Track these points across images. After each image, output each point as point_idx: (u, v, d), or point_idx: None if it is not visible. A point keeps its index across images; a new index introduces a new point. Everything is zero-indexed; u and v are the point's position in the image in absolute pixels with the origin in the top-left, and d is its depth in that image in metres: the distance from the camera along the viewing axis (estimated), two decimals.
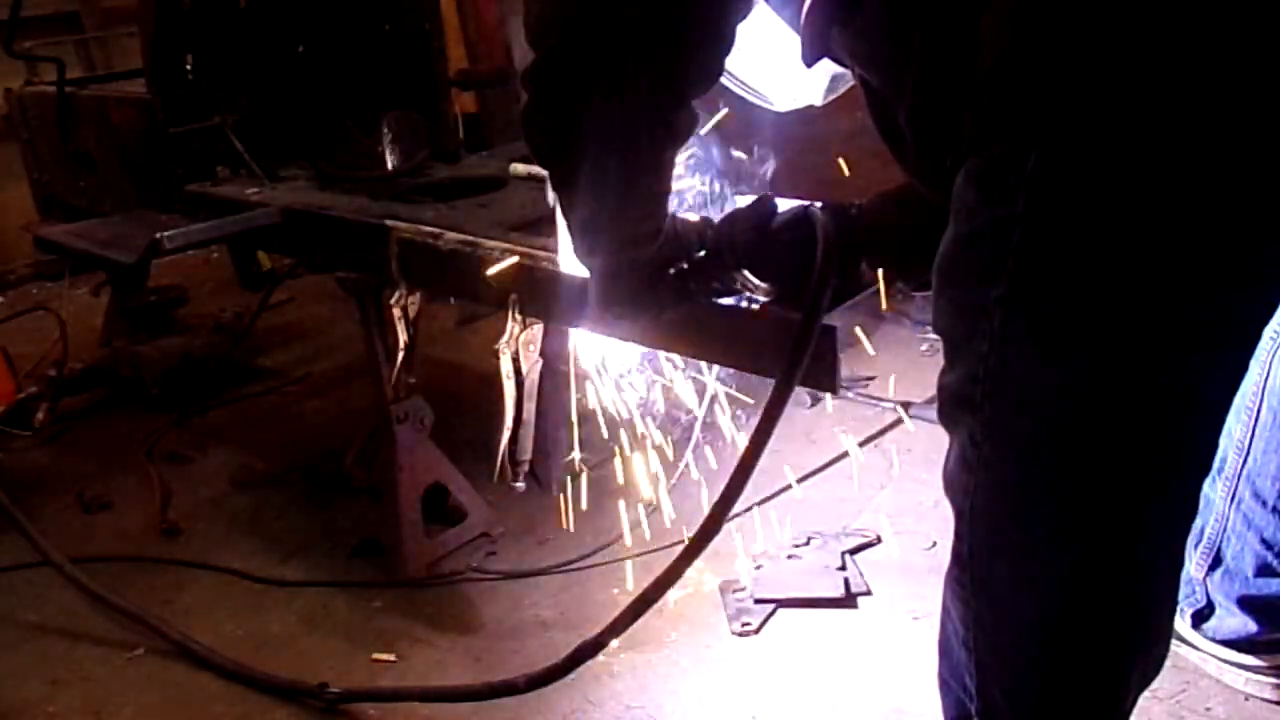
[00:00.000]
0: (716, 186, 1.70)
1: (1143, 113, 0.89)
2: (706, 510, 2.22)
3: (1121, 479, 1.03)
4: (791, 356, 1.33)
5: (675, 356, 1.91)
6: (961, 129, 1.01)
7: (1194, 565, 1.80)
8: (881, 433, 2.77)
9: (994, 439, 1.06)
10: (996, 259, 0.99)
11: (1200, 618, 1.83)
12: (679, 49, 1.16)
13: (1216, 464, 1.65)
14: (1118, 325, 0.96)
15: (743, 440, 2.12)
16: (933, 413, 1.14)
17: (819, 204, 1.41)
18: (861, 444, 2.72)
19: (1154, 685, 1.23)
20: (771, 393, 1.35)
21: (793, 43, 1.25)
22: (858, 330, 2.01)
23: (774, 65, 1.37)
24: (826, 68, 1.25)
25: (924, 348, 3.21)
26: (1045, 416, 1.03)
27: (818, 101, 1.42)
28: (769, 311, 1.44)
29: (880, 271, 1.43)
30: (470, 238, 1.86)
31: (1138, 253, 0.93)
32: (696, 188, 1.70)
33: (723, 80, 1.29)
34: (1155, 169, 0.90)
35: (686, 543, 1.47)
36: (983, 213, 1.00)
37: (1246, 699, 1.80)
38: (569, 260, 1.54)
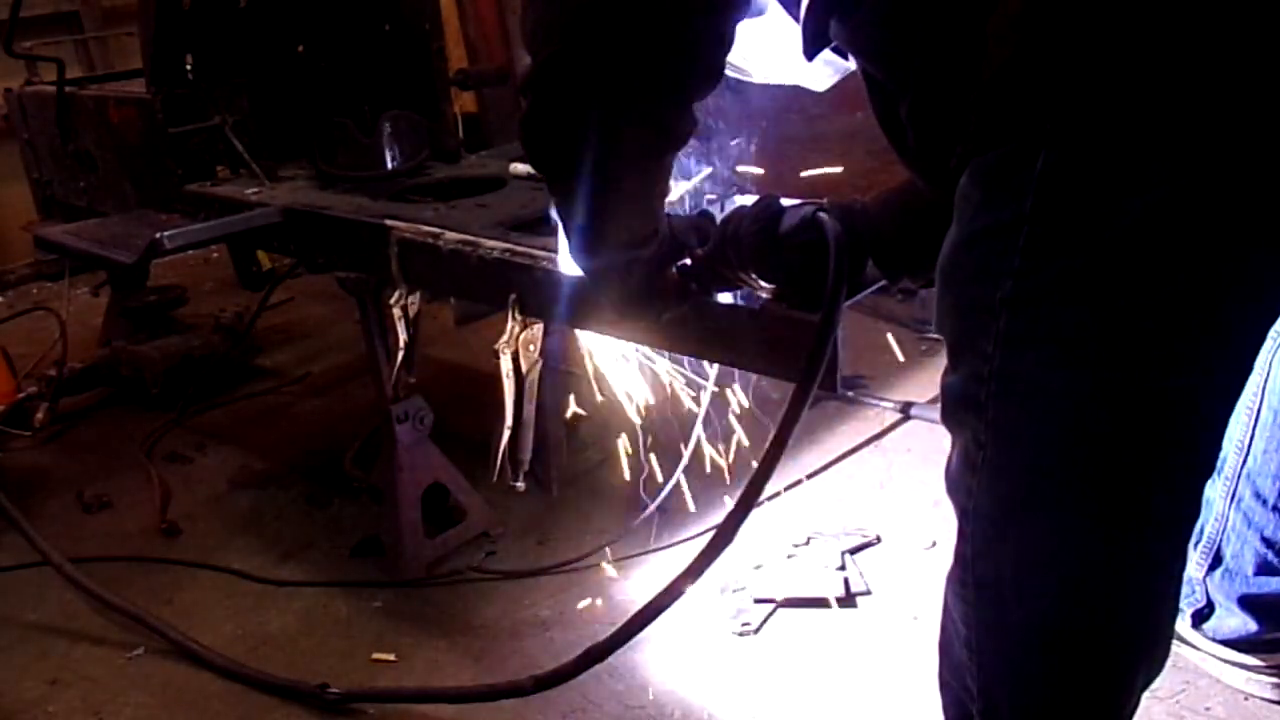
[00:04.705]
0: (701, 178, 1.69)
1: (1153, 116, 0.89)
2: (709, 511, 2.25)
3: (1126, 480, 1.03)
4: (808, 366, 1.33)
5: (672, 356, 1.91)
6: (965, 127, 1.00)
7: (1194, 565, 1.80)
8: (882, 433, 2.77)
9: (998, 440, 1.06)
10: (1002, 259, 0.98)
11: (1200, 617, 1.83)
12: (679, 52, 1.15)
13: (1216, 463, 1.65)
14: (1123, 327, 0.96)
15: (742, 438, 2.14)
16: (932, 413, 1.14)
17: (824, 201, 1.41)
18: (861, 444, 2.72)
19: (1154, 685, 1.22)
20: (788, 402, 1.35)
21: (773, 16, 1.24)
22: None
23: (753, 38, 1.36)
24: (825, 56, 1.25)
25: (924, 348, 3.21)
26: (1050, 417, 1.02)
27: (819, 89, 1.41)
28: (772, 311, 1.43)
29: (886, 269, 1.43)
30: (470, 238, 1.86)
31: (1144, 256, 0.93)
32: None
33: None
34: (1165, 172, 0.90)
35: (703, 547, 1.46)
36: (988, 213, 1.00)
37: (1246, 698, 1.80)
38: (568, 261, 1.54)
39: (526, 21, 1.19)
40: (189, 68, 2.49)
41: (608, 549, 2.33)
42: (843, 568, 2.21)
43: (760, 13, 1.25)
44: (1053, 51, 0.92)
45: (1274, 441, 1.67)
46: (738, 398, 1.99)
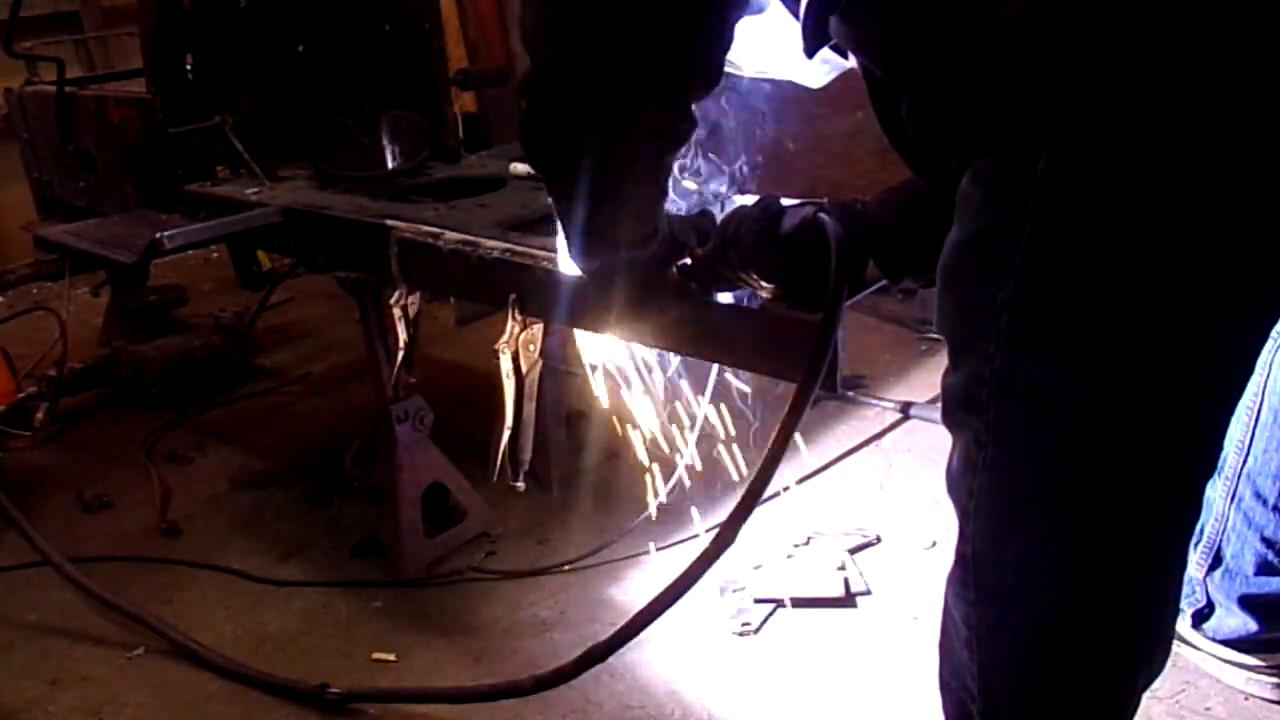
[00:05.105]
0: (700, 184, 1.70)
1: (1155, 116, 0.89)
2: (710, 511, 2.25)
3: (1128, 480, 1.03)
4: (809, 366, 1.33)
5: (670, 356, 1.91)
6: (966, 127, 1.00)
7: (1194, 565, 1.80)
8: (881, 433, 2.77)
9: (999, 440, 1.06)
10: (1004, 260, 0.98)
11: (1200, 617, 1.83)
12: (678, 52, 1.15)
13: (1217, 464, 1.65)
14: (1125, 328, 0.96)
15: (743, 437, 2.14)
16: (932, 413, 1.14)
17: (824, 201, 1.41)
18: (861, 444, 2.72)
19: (1154, 685, 1.23)
20: (790, 402, 1.35)
21: (772, 13, 1.24)
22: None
23: (747, 32, 1.35)
24: (822, 54, 1.25)
25: (924, 348, 3.21)
26: (1052, 418, 1.02)
27: (813, 86, 1.41)
28: (772, 311, 1.43)
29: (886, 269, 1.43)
30: (470, 238, 1.86)
31: (1145, 256, 0.92)
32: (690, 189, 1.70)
33: None
34: (1166, 172, 0.90)
35: (704, 549, 1.46)
36: (990, 213, 1.00)
37: (1246, 698, 1.80)
38: (567, 261, 1.54)
39: (524, 21, 1.19)
40: (189, 68, 2.49)
41: (608, 549, 2.33)
42: (843, 568, 2.21)
43: (760, 10, 1.25)
44: (1054, 52, 0.92)
45: (1274, 441, 1.66)
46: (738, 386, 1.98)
